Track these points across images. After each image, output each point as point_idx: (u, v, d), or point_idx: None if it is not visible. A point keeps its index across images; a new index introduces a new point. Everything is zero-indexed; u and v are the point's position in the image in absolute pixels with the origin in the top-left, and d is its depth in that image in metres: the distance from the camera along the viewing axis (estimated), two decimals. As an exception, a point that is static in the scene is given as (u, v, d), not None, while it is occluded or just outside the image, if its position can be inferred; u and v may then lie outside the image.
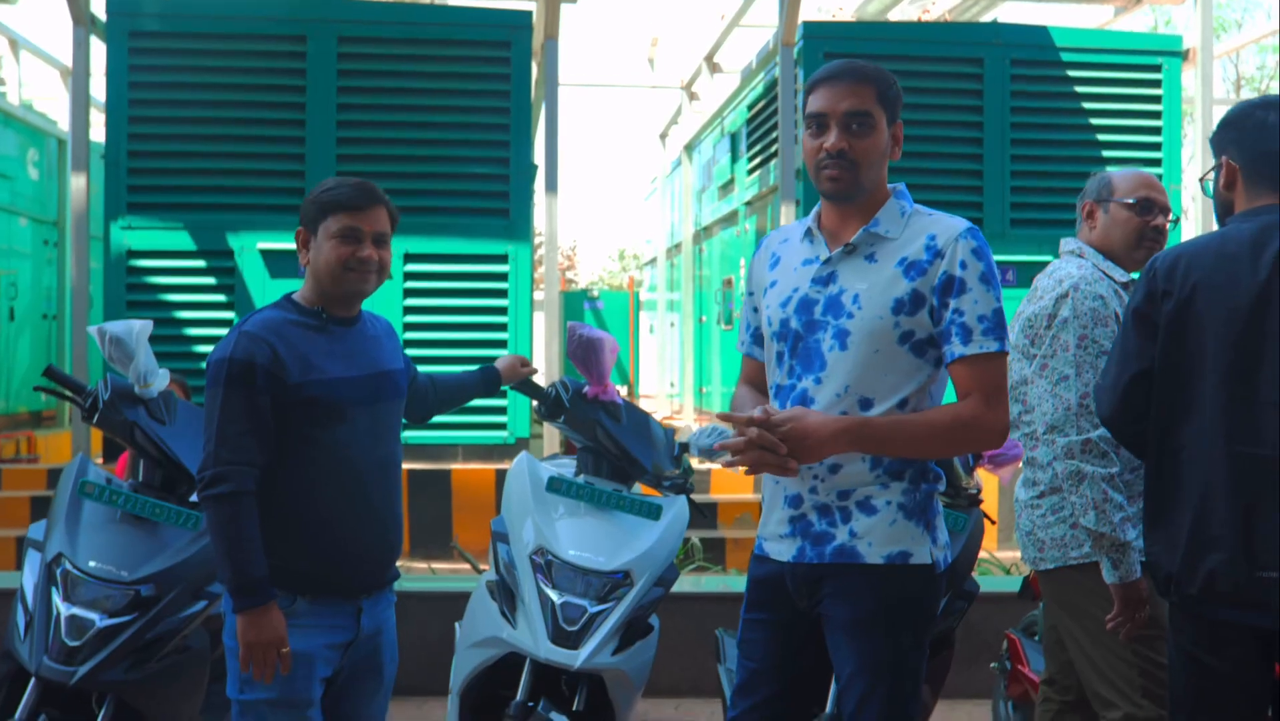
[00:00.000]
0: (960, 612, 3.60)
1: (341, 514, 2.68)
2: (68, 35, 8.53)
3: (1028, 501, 3.10)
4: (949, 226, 2.38)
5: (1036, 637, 3.98)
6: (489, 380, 3.39)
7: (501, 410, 8.60)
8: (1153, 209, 3.11)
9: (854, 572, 2.35)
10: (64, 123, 10.46)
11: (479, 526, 8.33)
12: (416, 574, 7.31)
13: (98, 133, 9.64)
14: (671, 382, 15.09)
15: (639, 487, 3.68)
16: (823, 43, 9.04)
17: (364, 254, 2.68)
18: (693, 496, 3.66)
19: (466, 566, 7.12)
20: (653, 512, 3.46)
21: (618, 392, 3.57)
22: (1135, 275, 3.12)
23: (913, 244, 2.37)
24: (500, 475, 8.44)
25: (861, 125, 2.37)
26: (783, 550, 2.43)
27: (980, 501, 3.67)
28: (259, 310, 2.74)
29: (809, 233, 2.49)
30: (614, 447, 3.51)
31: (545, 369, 9.12)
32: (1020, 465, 3.64)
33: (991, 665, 4.15)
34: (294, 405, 2.62)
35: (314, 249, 2.71)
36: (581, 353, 3.49)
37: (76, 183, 8.62)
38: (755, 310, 2.60)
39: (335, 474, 2.67)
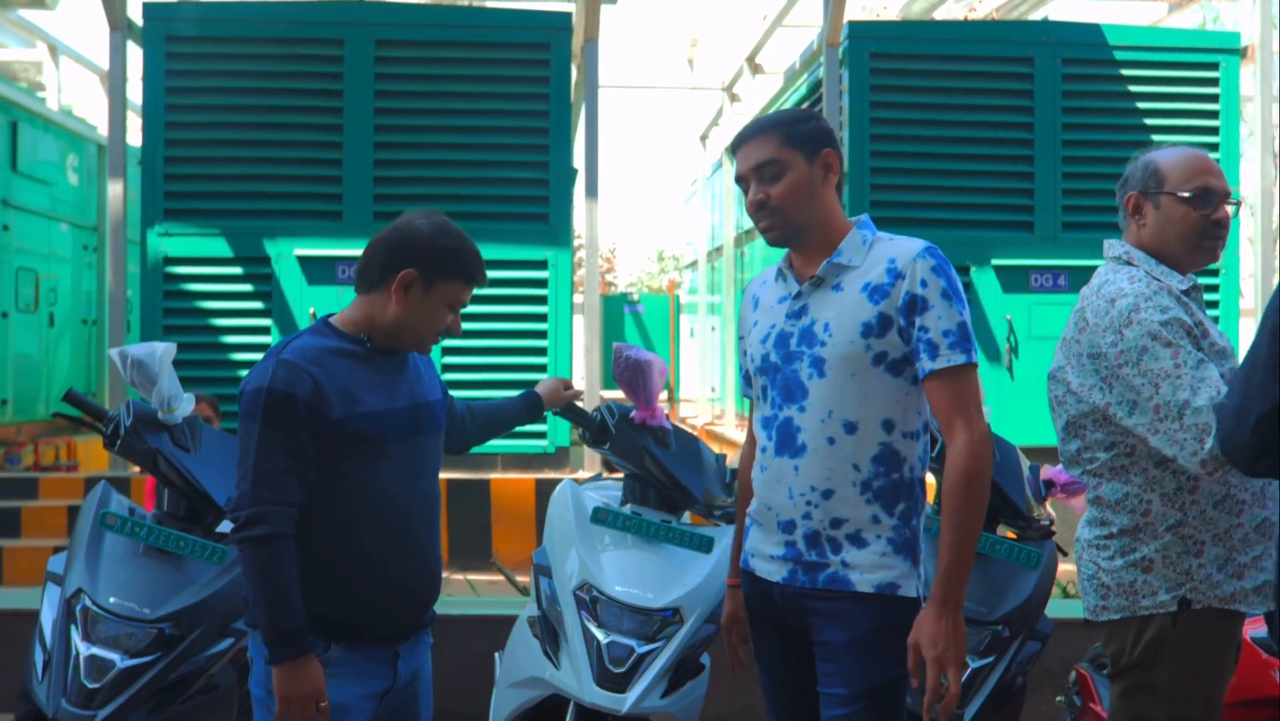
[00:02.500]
0: (1034, 656, 3.37)
1: (379, 555, 2.50)
2: (106, 40, 8.49)
3: (1092, 541, 2.72)
4: (907, 248, 2.44)
5: (1106, 671, 3.75)
6: (531, 406, 3.21)
7: (542, 418, 8.45)
8: (1211, 199, 2.67)
9: (846, 599, 2.41)
10: (104, 128, 10.45)
11: (518, 537, 8.22)
12: (455, 586, 7.18)
13: (137, 138, 9.61)
14: (712, 387, 14.91)
15: (688, 517, 3.49)
16: (868, 42, 8.86)
17: (457, 328, 2.60)
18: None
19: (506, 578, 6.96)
20: (704, 545, 3.26)
21: (666, 417, 3.38)
22: (1197, 278, 2.77)
23: (874, 269, 2.44)
24: (540, 485, 8.31)
25: (773, 172, 2.46)
26: (772, 571, 2.50)
27: (1053, 533, 3.45)
28: (295, 335, 2.55)
29: (780, 273, 2.59)
30: (663, 475, 3.32)
31: (586, 374, 8.97)
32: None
33: (1058, 699, 3.92)
34: (336, 440, 2.44)
35: (417, 299, 2.52)
36: (628, 375, 3.30)
37: (114, 189, 8.57)
38: (745, 353, 2.69)
39: (372, 512, 2.49)
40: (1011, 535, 3.50)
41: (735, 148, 2.55)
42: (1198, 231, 2.66)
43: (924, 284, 2.38)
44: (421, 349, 2.62)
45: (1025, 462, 3.49)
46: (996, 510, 3.41)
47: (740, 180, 2.54)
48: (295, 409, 2.38)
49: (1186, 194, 2.66)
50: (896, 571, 2.41)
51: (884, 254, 2.45)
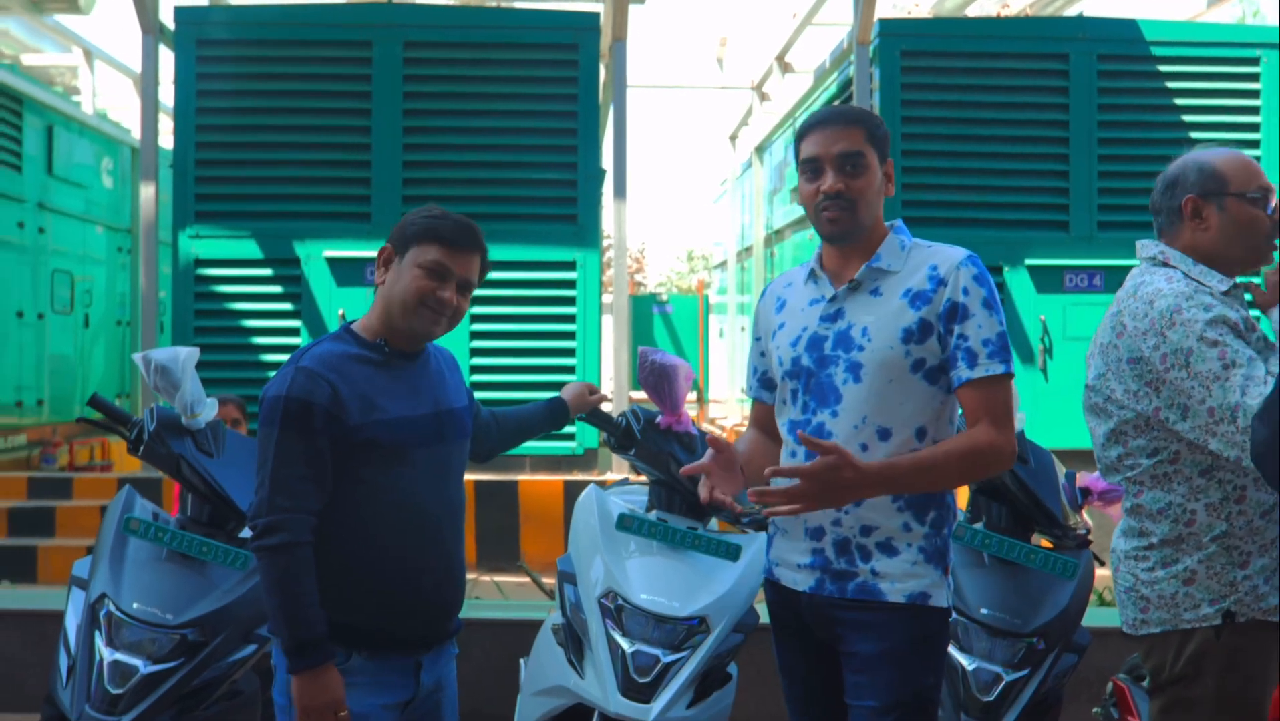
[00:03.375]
0: (1070, 669, 3.29)
1: (402, 562, 2.46)
2: (139, 44, 8.54)
3: (1130, 552, 2.65)
4: (949, 256, 2.43)
5: (1145, 683, 3.67)
6: (556, 412, 3.16)
7: (567, 423, 8.42)
8: (1269, 199, 2.61)
9: (876, 609, 2.38)
10: (138, 131, 10.56)
11: (546, 539, 8.19)
12: (483, 589, 7.16)
13: (170, 140, 9.69)
14: (742, 388, 14.84)
15: (715, 523, 3.44)
16: (899, 40, 8.76)
17: (444, 294, 2.49)
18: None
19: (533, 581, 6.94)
20: (731, 552, 3.21)
21: (692, 422, 3.32)
22: (1245, 278, 2.68)
23: (915, 275, 2.42)
24: (569, 486, 8.28)
25: (855, 165, 2.43)
26: (799, 580, 2.46)
27: (1089, 542, 3.36)
28: (316, 342, 2.53)
29: (812, 274, 2.54)
30: (689, 482, 3.27)
31: (614, 376, 8.94)
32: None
33: (1094, 710, 3.84)
34: (353, 447, 2.41)
35: (394, 272, 2.51)
36: (654, 380, 3.25)
37: (146, 191, 8.62)
38: (762, 355, 2.67)
39: (395, 519, 2.46)
40: (1047, 544, 3.43)
41: (809, 128, 2.47)
42: (1265, 233, 2.59)
43: (966, 292, 2.37)
44: (422, 329, 2.50)
45: (1061, 470, 3.42)
46: (1031, 518, 3.34)
47: (811, 162, 2.45)
48: (313, 416, 2.36)
49: (1256, 194, 2.59)
50: (927, 580, 2.38)
51: (925, 260, 2.44)
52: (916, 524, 2.39)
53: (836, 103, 10.05)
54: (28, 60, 12.40)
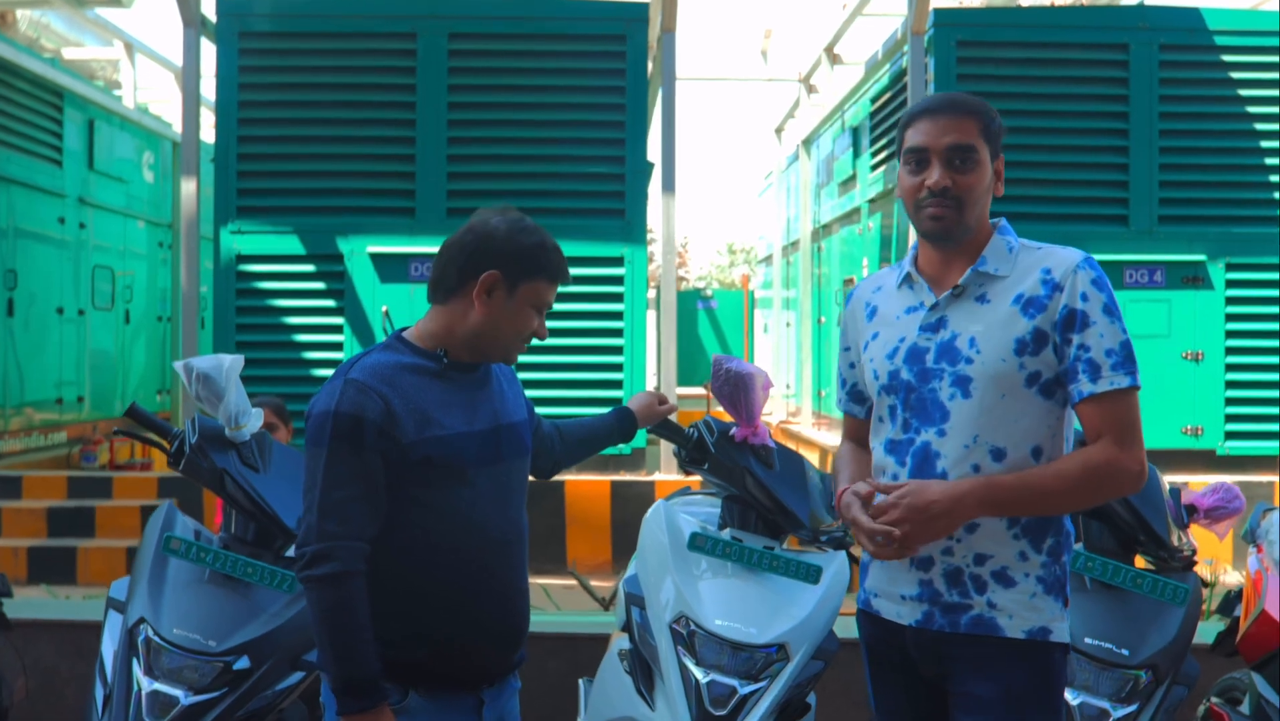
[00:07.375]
0: (1180, 703, 3.04)
1: (463, 591, 2.26)
2: (180, 37, 8.44)
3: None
4: (1064, 258, 2.22)
5: (1243, 706, 3.42)
6: (624, 425, 2.95)
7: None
8: None
9: (992, 645, 2.18)
10: (179, 125, 10.46)
11: (593, 540, 8.02)
12: (531, 593, 6.98)
13: (212, 134, 9.59)
14: (787, 384, 14.60)
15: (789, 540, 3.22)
16: (955, 30, 8.56)
17: (543, 332, 2.38)
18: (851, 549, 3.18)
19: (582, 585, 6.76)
20: (810, 574, 2.98)
21: (770, 434, 3.10)
22: None
23: (1026, 279, 2.21)
24: (616, 487, 8.10)
25: (965, 161, 2.23)
26: (904, 613, 2.27)
27: (1195, 563, 3.12)
28: (366, 352, 2.32)
29: (908, 278, 2.34)
30: (765, 498, 3.05)
31: (661, 372, 8.74)
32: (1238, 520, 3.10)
33: (1187, 737, 3.60)
34: (408, 466, 2.21)
35: (500, 304, 2.29)
36: (729, 389, 3.03)
37: (187, 186, 8.53)
38: (852, 366, 2.48)
39: (454, 544, 2.26)
40: (1141, 563, 3.18)
41: (917, 115, 2.26)
42: None
43: (1085, 297, 2.15)
44: (508, 358, 2.38)
45: (1165, 485, 3.17)
46: (1133, 539, 3.09)
47: (916, 152, 2.24)
48: (364, 433, 2.15)
49: None
50: (1047, 614, 2.18)
51: (1036, 263, 2.22)
52: (1034, 551, 2.19)
53: (887, 95, 9.80)
54: (69, 54, 12.33)
